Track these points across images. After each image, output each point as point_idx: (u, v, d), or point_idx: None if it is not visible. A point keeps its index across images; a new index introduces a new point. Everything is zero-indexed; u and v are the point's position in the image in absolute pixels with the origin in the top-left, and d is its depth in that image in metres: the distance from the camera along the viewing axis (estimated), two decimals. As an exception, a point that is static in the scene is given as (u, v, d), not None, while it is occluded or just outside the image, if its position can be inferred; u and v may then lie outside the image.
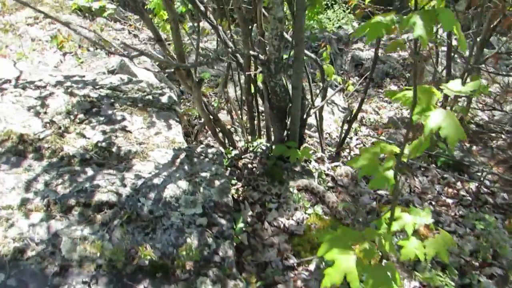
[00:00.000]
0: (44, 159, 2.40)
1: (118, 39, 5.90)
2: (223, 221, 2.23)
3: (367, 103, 5.62)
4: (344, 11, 9.52)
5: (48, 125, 2.61)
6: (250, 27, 2.68)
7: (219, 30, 2.84)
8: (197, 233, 2.12)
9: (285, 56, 2.83)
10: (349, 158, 3.47)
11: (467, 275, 2.32)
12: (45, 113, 2.68)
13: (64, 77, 3.21)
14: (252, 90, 3.21)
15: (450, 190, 3.03)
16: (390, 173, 1.74)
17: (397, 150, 1.84)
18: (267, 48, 2.65)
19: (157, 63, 4.72)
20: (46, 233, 2.00)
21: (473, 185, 3.02)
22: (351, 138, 4.07)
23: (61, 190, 2.21)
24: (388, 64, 6.35)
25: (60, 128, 2.62)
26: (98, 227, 2.06)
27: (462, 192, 2.99)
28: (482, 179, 2.93)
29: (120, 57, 4.57)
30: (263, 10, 2.76)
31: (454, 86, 1.42)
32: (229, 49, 2.44)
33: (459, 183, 3.06)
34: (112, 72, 4.41)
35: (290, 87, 2.86)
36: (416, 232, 2.10)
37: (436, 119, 1.35)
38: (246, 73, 2.83)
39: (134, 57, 1.89)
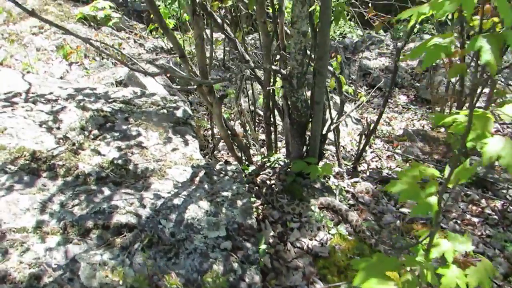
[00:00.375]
0: (58, 178, 2.30)
1: (124, 48, 5.82)
2: (248, 245, 2.13)
3: (376, 113, 5.55)
4: (343, 18, 9.44)
5: (61, 141, 2.51)
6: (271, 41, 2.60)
7: (237, 43, 2.76)
8: (222, 258, 2.02)
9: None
10: (367, 174, 3.38)
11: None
12: (58, 128, 2.59)
13: (75, 90, 3.12)
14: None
15: (474, 208, 2.94)
16: (432, 199, 1.65)
17: (437, 173, 1.75)
18: (288, 62, 2.57)
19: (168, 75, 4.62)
20: (64, 258, 1.89)
21: (498, 203, 2.93)
22: (365, 151, 3.98)
23: (77, 211, 2.10)
24: (396, 73, 6.27)
25: (74, 144, 2.52)
26: (118, 252, 1.96)
27: (488, 210, 2.89)
28: (508, 196, 2.85)
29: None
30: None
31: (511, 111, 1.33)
32: (251, 64, 2.35)
33: (483, 201, 2.97)
34: (120, 83, 4.32)
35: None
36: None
37: (495, 147, 1.26)
38: (267, 88, 2.74)
39: (158, 75, 1.80)
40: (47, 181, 2.26)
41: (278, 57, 3.04)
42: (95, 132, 2.67)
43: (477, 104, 3.95)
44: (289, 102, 2.69)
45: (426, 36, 7.62)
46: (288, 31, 2.71)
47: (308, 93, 2.88)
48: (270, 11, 2.64)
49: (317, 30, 2.53)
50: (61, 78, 4.47)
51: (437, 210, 1.63)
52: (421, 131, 4.21)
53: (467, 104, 4.31)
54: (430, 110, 5.33)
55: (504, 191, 3.03)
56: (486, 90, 4.37)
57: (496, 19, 1.15)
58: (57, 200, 2.14)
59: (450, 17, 4.05)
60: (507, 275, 2.39)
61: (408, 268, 2.08)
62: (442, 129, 4.46)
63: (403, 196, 1.69)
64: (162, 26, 2.00)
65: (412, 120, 5.18)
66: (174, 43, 2.13)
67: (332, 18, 2.39)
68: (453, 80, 4.53)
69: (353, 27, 9.16)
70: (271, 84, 2.84)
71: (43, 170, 2.31)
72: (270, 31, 2.58)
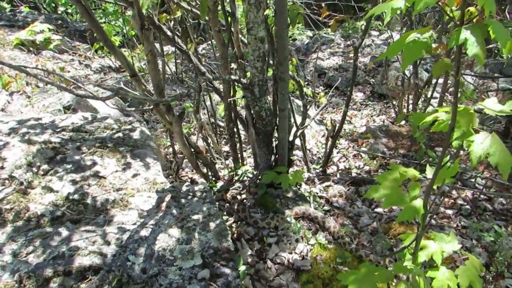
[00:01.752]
0: (7, 224, 2.05)
1: (69, 71, 5.50)
2: (227, 270, 1.98)
3: (336, 112, 5.55)
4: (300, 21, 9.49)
5: (7, 182, 2.26)
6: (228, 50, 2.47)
7: (191, 56, 2.61)
8: (201, 290, 1.86)
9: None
10: (338, 176, 3.31)
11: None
12: (2, 168, 2.33)
13: (18, 123, 2.85)
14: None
15: (446, 199, 2.94)
16: (418, 203, 1.57)
17: (418, 174, 1.68)
18: (247, 71, 2.45)
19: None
20: (22, 317, 1.67)
21: (469, 193, 2.94)
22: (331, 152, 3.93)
23: (33, 259, 1.87)
24: (350, 71, 6.31)
25: (22, 183, 2.27)
26: (85, 299, 1.75)
27: (460, 201, 2.89)
28: (477, 185, 2.87)
29: (76, 91, 4.21)
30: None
31: (493, 105, 1.27)
32: (208, 76, 2.21)
33: (454, 192, 2.97)
34: (68, 108, 4.04)
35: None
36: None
37: (483, 145, 1.19)
38: (228, 99, 2.61)
39: (108, 99, 1.63)
40: (-6, 229, 2.01)
41: (233, 65, 2.93)
42: (45, 167, 2.42)
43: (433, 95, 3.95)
44: (252, 112, 2.57)
45: (374, 33, 7.77)
46: (244, 39, 2.60)
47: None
48: (223, 19, 2.51)
49: (274, 34, 2.43)
50: (2, 110, 4.13)
51: (423, 213, 1.56)
52: (383, 126, 4.22)
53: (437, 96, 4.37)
54: (388, 105, 5.38)
55: (473, 180, 3.04)
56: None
57: (472, 8, 1.07)
58: (8, 250, 1.90)
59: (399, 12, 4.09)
60: (487, 265, 2.38)
61: (400, 277, 2.00)
62: (403, 122, 4.50)
63: (387, 202, 1.60)
64: (107, 45, 1.82)
65: (372, 116, 5.21)
66: (123, 62, 1.96)
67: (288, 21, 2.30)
68: (407, 73, 4.59)
69: (302, 29, 9.22)
70: (231, 95, 2.71)
71: (-12, 217, 2.06)
72: (224, 39, 2.45)
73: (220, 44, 2.32)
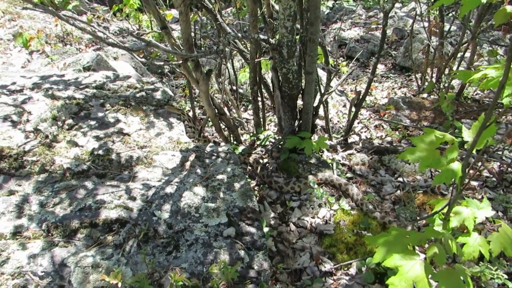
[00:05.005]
0: (33, 176, 2.06)
1: (95, 29, 5.43)
2: (252, 230, 1.97)
3: (356, 83, 5.44)
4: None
5: (32, 135, 2.25)
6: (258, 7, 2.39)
7: (218, 16, 2.54)
8: (226, 246, 1.86)
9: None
10: (360, 145, 3.26)
11: (509, 262, 2.16)
12: (27, 121, 2.32)
13: (41, 78, 2.83)
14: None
15: (471, 171, 2.87)
16: (455, 166, 1.52)
17: (455, 138, 1.62)
18: (278, 31, 2.38)
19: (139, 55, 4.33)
20: (51, 264, 1.69)
21: (495, 165, 2.87)
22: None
23: (60, 210, 1.88)
24: (372, 43, 6.17)
25: (47, 137, 2.27)
26: (112, 250, 1.76)
27: (485, 173, 2.83)
28: (504, 158, 2.80)
29: (96, 52, 4.17)
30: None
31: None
32: (237, 34, 2.14)
33: (479, 164, 2.90)
34: (88, 68, 4.02)
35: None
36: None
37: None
38: (254, 60, 2.54)
39: (139, 50, 1.58)
40: (21, 180, 2.02)
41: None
42: (69, 121, 2.41)
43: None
44: (279, 74, 2.51)
45: (396, 5, 7.52)
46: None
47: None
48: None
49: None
50: (23, 68, 4.12)
51: (461, 176, 1.51)
52: (406, 98, 4.12)
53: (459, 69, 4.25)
54: (410, 78, 5.26)
55: (500, 152, 2.97)
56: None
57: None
58: (35, 201, 1.91)
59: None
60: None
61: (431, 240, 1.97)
62: (425, 95, 4.40)
63: (423, 164, 1.55)
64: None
65: (393, 89, 5.10)
66: (154, 13, 1.90)
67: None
68: (433, 45, 4.45)
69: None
70: (257, 56, 2.64)
71: (14, 168, 2.07)
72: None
73: (251, 0, 2.24)
